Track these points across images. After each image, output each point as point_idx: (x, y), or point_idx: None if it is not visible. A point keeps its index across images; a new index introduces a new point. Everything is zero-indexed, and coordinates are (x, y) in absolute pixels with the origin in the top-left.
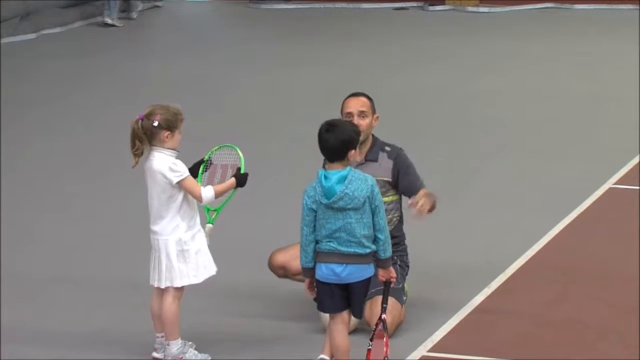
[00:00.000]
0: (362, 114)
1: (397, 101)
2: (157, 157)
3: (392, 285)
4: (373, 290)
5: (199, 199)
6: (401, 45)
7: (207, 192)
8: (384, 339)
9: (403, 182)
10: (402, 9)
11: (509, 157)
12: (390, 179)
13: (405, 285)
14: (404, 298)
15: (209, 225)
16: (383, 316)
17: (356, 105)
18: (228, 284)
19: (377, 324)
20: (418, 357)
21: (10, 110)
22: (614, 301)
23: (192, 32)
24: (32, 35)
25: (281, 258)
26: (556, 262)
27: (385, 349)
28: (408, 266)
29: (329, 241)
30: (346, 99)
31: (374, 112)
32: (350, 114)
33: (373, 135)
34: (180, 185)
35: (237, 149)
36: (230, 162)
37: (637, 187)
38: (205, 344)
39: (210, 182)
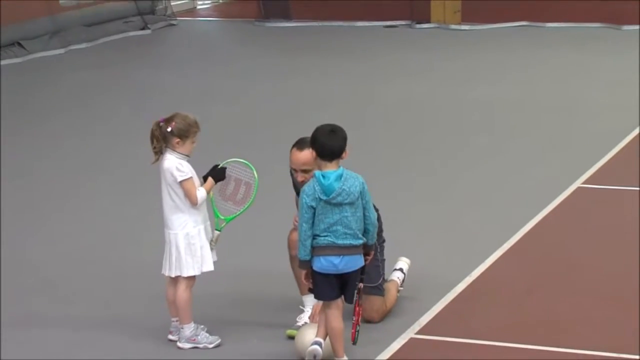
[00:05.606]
0: (304, 171)
1: (387, 110)
2: (168, 158)
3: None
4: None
5: (193, 201)
6: (391, 59)
7: (201, 194)
8: (355, 322)
9: None
10: (392, 26)
11: (489, 162)
12: None
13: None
14: (384, 292)
15: (217, 233)
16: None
17: (297, 162)
18: (239, 271)
19: (358, 308)
20: (406, 339)
21: (42, 115)
22: (588, 291)
23: (204, 47)
24: (61, 50)
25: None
26: (532, 253)
27: (353, 331)
28: (383, 260)
29: (326, 235)
30: (293, 149)
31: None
32: (294, 170)
33: None
34: (181, 184)
35: (254, 170)
36: (244, 178)
37: (604, 187)
38: (216, 328)
39: (222, 192)
